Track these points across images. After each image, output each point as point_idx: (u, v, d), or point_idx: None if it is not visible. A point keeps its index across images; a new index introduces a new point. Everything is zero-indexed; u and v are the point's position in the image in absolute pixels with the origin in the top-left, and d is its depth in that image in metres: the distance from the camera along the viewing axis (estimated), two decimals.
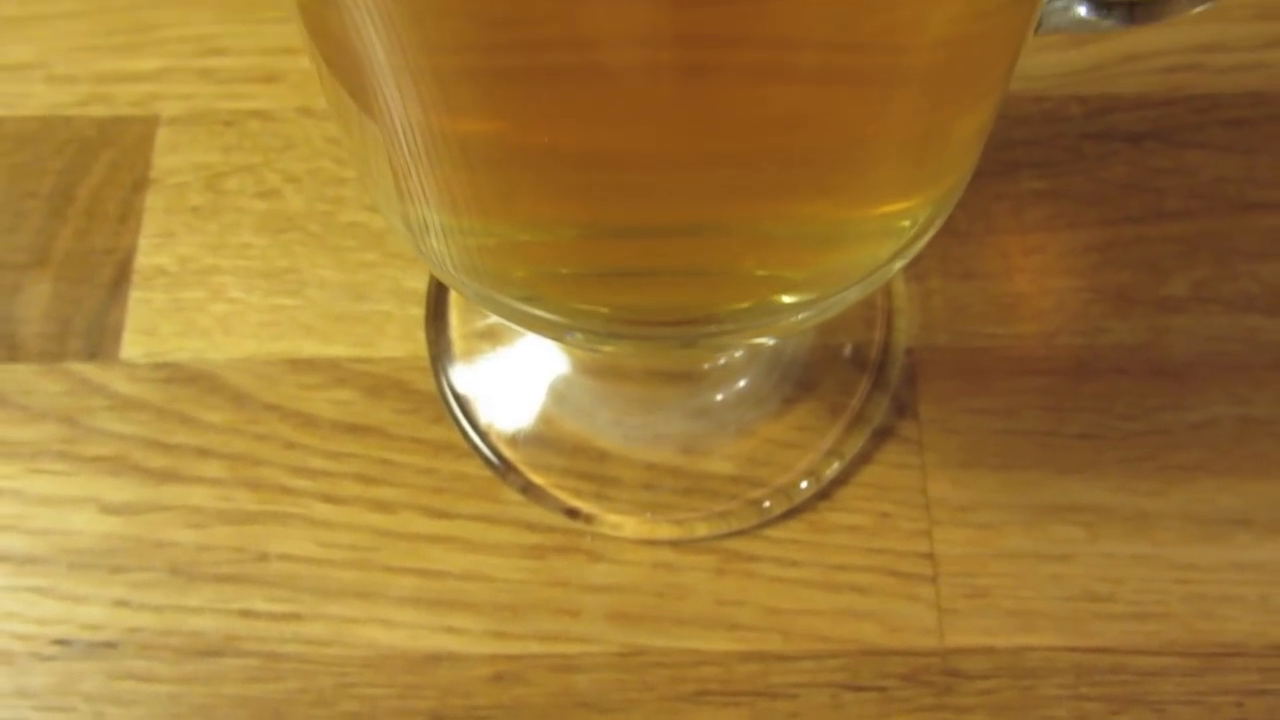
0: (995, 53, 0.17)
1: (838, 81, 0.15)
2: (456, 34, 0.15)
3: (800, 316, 0.20)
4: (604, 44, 0.13)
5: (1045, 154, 0.29)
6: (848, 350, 0.27)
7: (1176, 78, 0.29)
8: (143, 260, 0.29)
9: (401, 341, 0.28)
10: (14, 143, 0.30)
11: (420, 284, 0.28)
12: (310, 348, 0.28)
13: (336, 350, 0.28)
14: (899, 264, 0.21)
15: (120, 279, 0.29)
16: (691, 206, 0.16)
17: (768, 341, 0.26)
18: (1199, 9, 0.18)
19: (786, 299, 0.19)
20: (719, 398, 0.27)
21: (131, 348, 0.28)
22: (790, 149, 0.15)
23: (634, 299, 0.18)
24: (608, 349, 0.19)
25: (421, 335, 0.28)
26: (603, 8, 0.12)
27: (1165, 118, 0.29)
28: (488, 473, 0.26)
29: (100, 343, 0.28)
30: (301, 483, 0.26)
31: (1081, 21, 0.17)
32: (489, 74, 0.15)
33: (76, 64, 0.31)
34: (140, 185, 0.30)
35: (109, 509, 0.26)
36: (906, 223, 0.20)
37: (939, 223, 0.21)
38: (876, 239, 0.20)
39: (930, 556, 0.25)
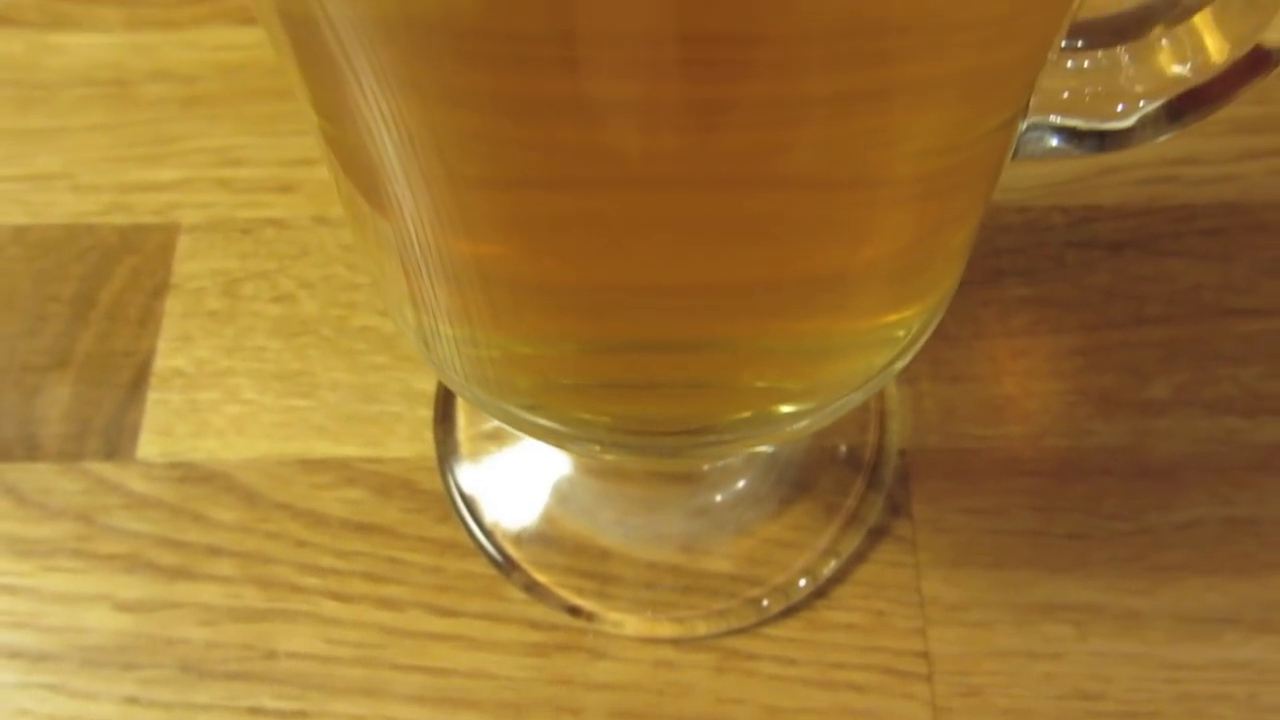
0: (974, 181, 0.18)
1: (831, 210, 0.16)
2: (458, 163, 0.16)
3: (799, 425, 0.21)
4: (609, 179, 0.14)
5: (1029, 262, 0.30)
6: (842, 451, 0.28)
7: (1154, 189, 0.31)
8: (161, 363, 0.30)
9: (410, 442, 0.29)
10: (39, 249, 0.32)
11: (429, 386, 0.29)
12: (322, 448, 0.29)
13: (347, 450, 0.29)
14: (894, 370, 0.22)
15: (139, 381, 0.30)
16: (691, 324, 0.17)
17: (767, 449, 0.27)
18: (1163, 138, 0.19)
19: (785, 409, 0.20)
20: (718, 498, 0.28)
21: (148, 447, 0.29)
22: (785, 271, 0.16)
23: (635, 410, 0.19)
24: (609, 458, 0.20)
25: (430, 436, 0.29)
26: (610, 143, 0.13)
27: (1144, 227, 0.30)
28: (492, 571, 0.27)
29: (118, 442, 0.29)
30: (310, 580, 0.27)
31: (1054, 149, 0.19)
32: (493, 202, 0.16)
33: (101, 174, 0.32)
34: (160, 290, 0.31)
35: (121, 606, 0.27)
36: (901, 332, 0.21)
37: (931, 329, 0.22)
38: (873, 348, 0.21)
39: (925, 655, 0.26)
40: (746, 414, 0.19)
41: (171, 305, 0.31)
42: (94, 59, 0.34)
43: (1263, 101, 0.31)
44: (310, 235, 0.31)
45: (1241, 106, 0.20)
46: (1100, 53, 0.19)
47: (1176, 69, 0.18)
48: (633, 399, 0.19)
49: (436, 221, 0.17)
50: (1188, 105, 0.19)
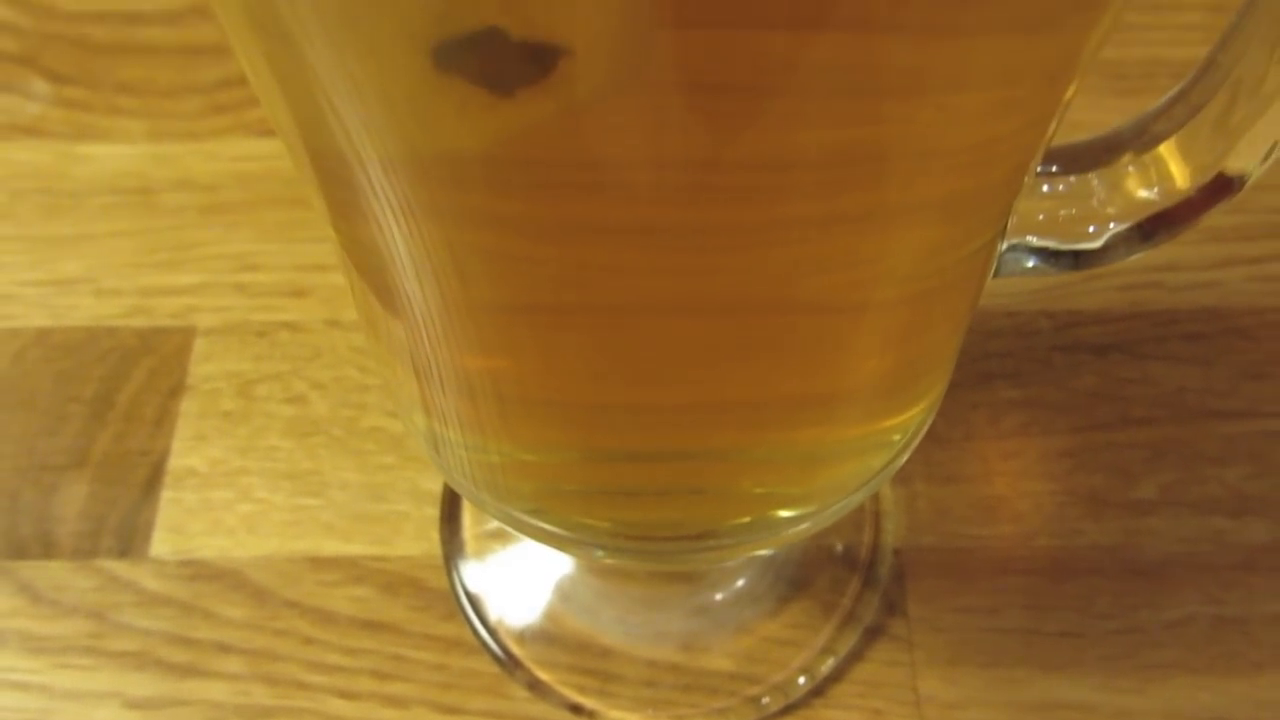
0: (958, 298, 0.19)
1: (822, 329, 0.17)
2: (469, 279, 0.17)
3: (799, 528, 0.21)
4: (616, 303, 0.15)
5: (1018, 365, 0.31)
6: (839, 550, 0.29)
7: (1136, 294, 0.32)
8: (175, 462, 0.31)
9: (417, 541, 0.29)
10: (61, 351, 0.33)
11: (436, 485, 0.30)
12: (330, 546, 0.29)
13: (355, 549, 0.29)
14: (891, 471, 0.23)
15: (153, 479, 0.30)
16: (692, 436, 0.18)
17: (766, 552, 0.28)
18: (1135, 256, 0.20)
19: (785, 513, 0.21)
20: (718, 597, 0.28)
21: (160, 545, 0.29)
22: (782, 388, 0.17)
23: (636, 515, 0.20)
24: (610, 562, 0.20)
25: (436, 535, 0.29)
26: (618, 264, 0.14)
27: (1128, 331, 0.31)
28: (496, 669, 0.28)
29: (131, 541, 0.30)
30: (317, 678, 0.28)
31: (1032, 269, 0.20)
32: (504, 320, 0.17)
33: (123, 278, 0.34)
34: (176, 391, 0.32)
35: (131, 704, 0.27)
36: (897, 436, 0.22)
37: (924, 430, 0.23)
38: (870, 452, 0.22)
39: None
40: (746, 519, 0.20)
41: (187, 406, 0.32)
42: (119, 168, 0.35)
43: (1238, 211, 0.32)
44: (323, 338, 0.32)
45: (1218, 216, 0.21)
46: (1074, 177, 0.20)
47: (1144, 194, 0.19)
48: (634, 505, 0.20)
49: (446, 334, 0.18)
50: (1158, 226, 0.20)
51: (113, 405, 0.32)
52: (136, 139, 0.36)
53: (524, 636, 0.28)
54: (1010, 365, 0.31)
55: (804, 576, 0.29)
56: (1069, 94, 0.17)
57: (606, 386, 0.17)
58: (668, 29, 0.12)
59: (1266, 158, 0.19)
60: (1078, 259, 0.20)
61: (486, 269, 0.17)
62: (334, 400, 0.31)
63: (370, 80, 0.14)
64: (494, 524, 0.30)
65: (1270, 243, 0.32)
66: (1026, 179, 0.19)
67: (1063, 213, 0.20)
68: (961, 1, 0.13)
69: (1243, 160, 0.19)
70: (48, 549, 0.30)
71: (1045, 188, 0.20)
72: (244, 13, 0.15)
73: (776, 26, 0.13)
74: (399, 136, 0.15)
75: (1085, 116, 0.33)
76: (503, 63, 0.12)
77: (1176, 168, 0.19)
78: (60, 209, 0.35)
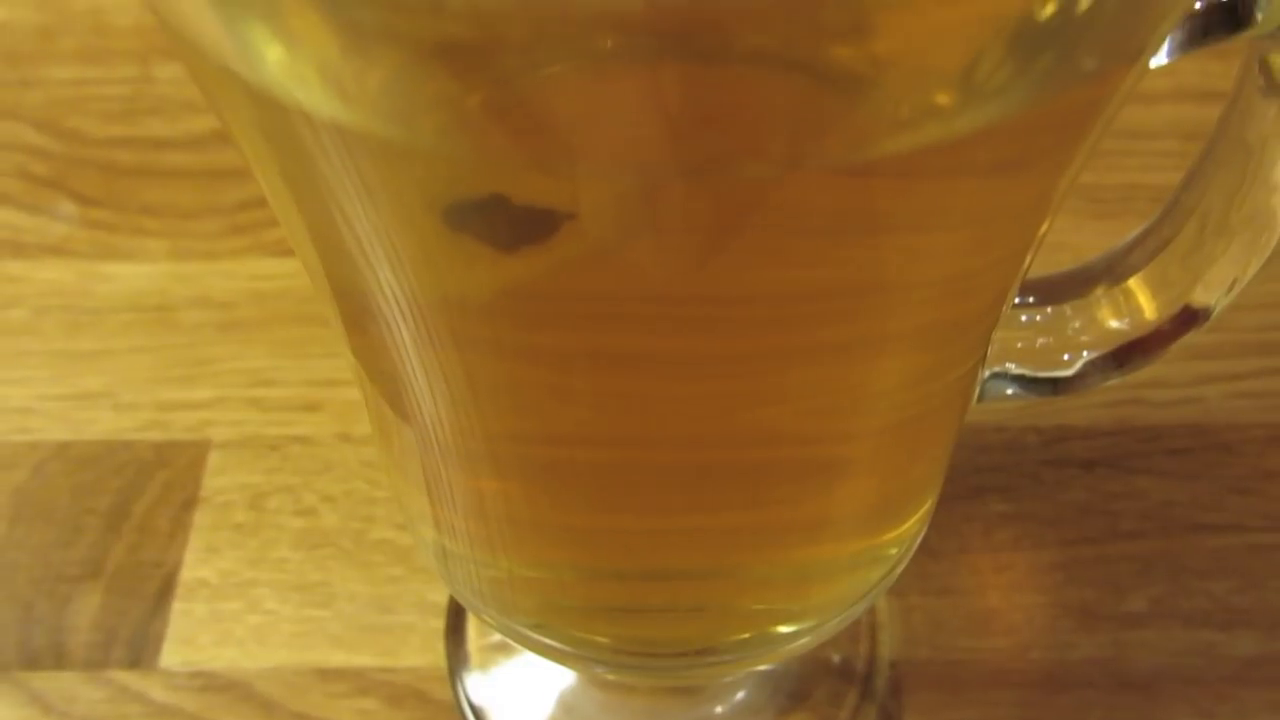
0: (943, 424, 0.20)
1: (814, 457, 0.18)
2: (482, 405, 0.18)
3: (798, 643, 0.22)
4: (611, 439, 0.16)
5: (1008, 479, 0.32)
6: (836, 662, 0.29)
7: (1122, 410, 0.33)
8: (187, 573, 0.31)
9: (422, 652, 0.30)
10: (79, 464, 0.34)
11: (442, 598, 0.31)
12: (338, 657, 0.30)
13: (362, 660, 0.30)
14: (888, 584, 0.23)
15: (165, 591, 0.31)
16: (692, 557, 0.19)
17: (766, 667, 0.29)
18: (1110, 382, 0.21)
19: (784, 629, 0.21)
20: (718, 710, 0.29)
21: (170, 656, 0.30)
22: (779, 512, 0.18)
23: (635, 632, 0.20)
24: (611, 677, 0.21)
25: (441, 647, 0.30)
26: (632, 394, 0.15)
27: (1114, 446, 0.32)
28: None
29: (142, 652, 0.30)
30: None
31: (1012, 396, 0.21)
32: (518, 449, 0.18)
33: (141, 393, 0.35)
34: (190, 503, 0.33)
35: None
36: (894, 550, 0.23)
37: (917, 544, 0.24)
38: (867, 567, 0.22)
39: None
40: (746, 635, 0.21)
41: (200, 518, 0.32)
42: (140, 287, 0.37)
43: (1217, 330, 0.33)
44: (334, 451, 0.33)
45: (1198, 334, 0.22)
46: (1050, 308, 0.21)
47: (1116, 324, 0.21)
48: (634, 622, 0.20)
49: (457, 454, 0.19)
50: (1130, 354, 0.21)
51: (128, 517, 0.32)
52: (158, 258, 0.37)
53: None
54: (1001, 479, 0.32)
55: (802, 689, 0.29)
56: (1043, 229, 0.19)
57: (613, 510, 0.18)
58: (665, 190, 0.13)
59: (1229, 291, 0.20)
60: (1055, 385, 0.21)
61: (494, 393, 0.18)
62: (343, 513, 0.32)
63: (386, 228, 0.15)
64: (498, 636, 0.30)
65: (1248, 360, 0.33)
66: (1005, 309, 0.20)
67: (1040, 341, 0.21)
68: (933, 148, 0.15)
69: (1207, 294, 0.20)
70: (60, 659, 0.30)
71: (1024, 318, 0.21)
72: (276, 165, 0.16)
73: (765, 179, 0.14)
74: (411, 274, 0.16)
75: (1066, 239, 0.35)
76: (508, 224, 0.13)
77: (1145, 300, 0.20)
78: (82, 325, 0.36)
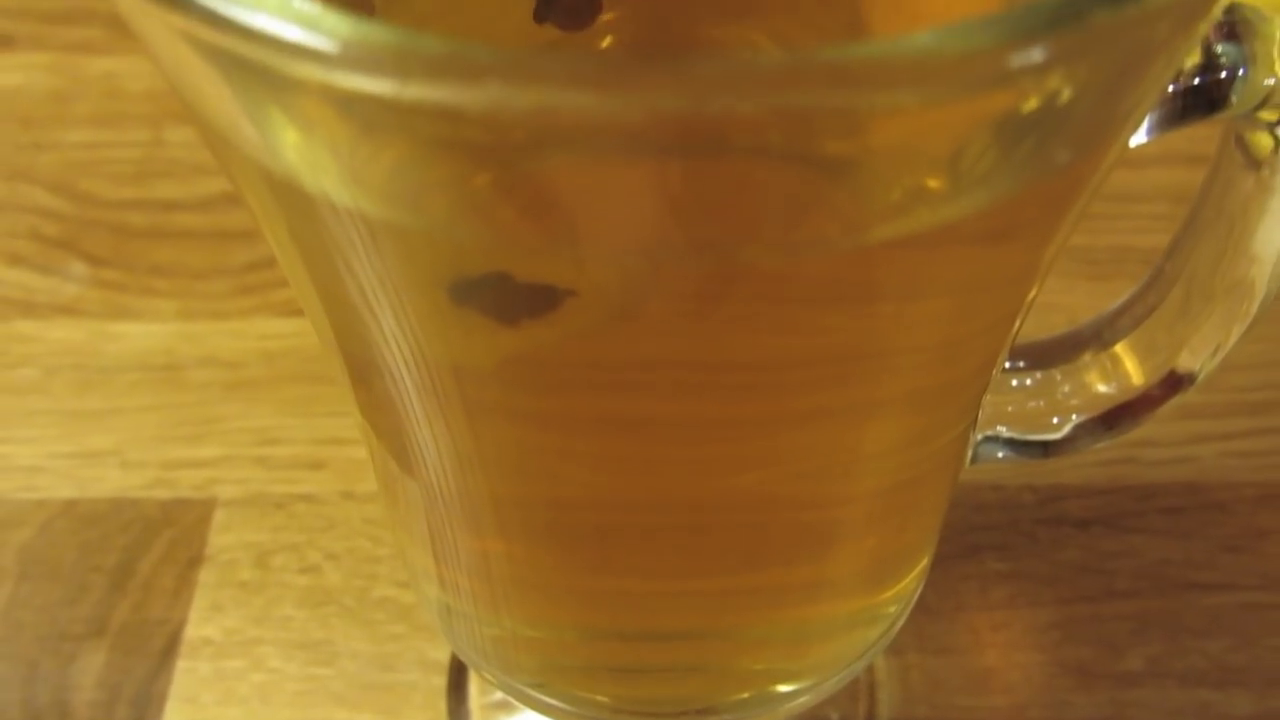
0: (935, 486, 0.21)
1: (810, 520, 0.19)
2: (490, 468, 0.19)
3: (798, 701, 0.22)
4: (613, 502, 0.17)
5: (1004, 538, 0.32)
6: None
7: (1116, 469, 0.33)
8: (191, 631, 0.32)
9: (424, 710, 0.30)
10: (85, 522, 0.34)
11: (444, 655, 0.31)
12: (341, 716, 0.30)
13: (365, 718, 0.30)
14: (886, 641, 0.24)
15: (169, 649, 0.31)
16: (692, 617, 0.19)
17: None
18: (1100, 444, 0.22)
19: (784, 688, 0.22)
20: None
21: (174, 715, 0.30)
22: (776, 574, 0.19)
23: (636, 691, 0.21)
24: None
25: (443, 705, 0.30)
26: (626, 483, 0.16)
27: (1109, 505, 0.33)
28: None
29: (145, 710, 0.30)
30: None
31: (1003, 459, 0.21)
32: (524, 513, 0.18)
33: (148, 451, 0.35)
34: (195, 562, 0.33)
35: None
36: (892, 608, 0.23)
37: (914, 601, 0.24)
38: (866, 625, 0.23)
39: None
40: (746, 694, 0.21)
41: (205, 576, 0.33)
42: (148, 346, 0.37)
43: (1208, 390, 0.34)
44: (338, 509, 0.34)
45: (1190, 394, 0.22)
46: (1039, 373, 0.22)
47: (1103, 388, 0.21)
48: (635, 681, 0.21)
49: (462, 515, 0.20)
50: (1119, 417, 0.22)
51: (133, 575, 0.33)
52: (167, 318, 0.38)
53: None
54: (997, 538, 0.32)
55: None
56: (1031, 295, 0.19)
57: (615, 572, 0.18)
58: (666, 270, 0.14)
59: (1213, 356, 0.21)
60: (1046, 448, 0.21)
61: (498, 454, 0.18)
62: (346, 570, 0.33)
63: (392, 295, 0.16)
64: (500, 694, 0.30)
65: (1239, 420, 0.34)
66: (995, 374, 0.20)
67: (1030, 405, 0.21)
68: (919, 220, 0.15)
69: (1192, 359, 0.21)
70: (64, 717, 0.30)
71: (1014, 382, 0.22)
72: (285, 227, 0.17)
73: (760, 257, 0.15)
74: (417, 339, 0.17)
75: (1059, 299, 0.36)
76: (511, 300, 0.14)
77: (1133, 365, 0.21)
78: (91, 384, 0.37)
